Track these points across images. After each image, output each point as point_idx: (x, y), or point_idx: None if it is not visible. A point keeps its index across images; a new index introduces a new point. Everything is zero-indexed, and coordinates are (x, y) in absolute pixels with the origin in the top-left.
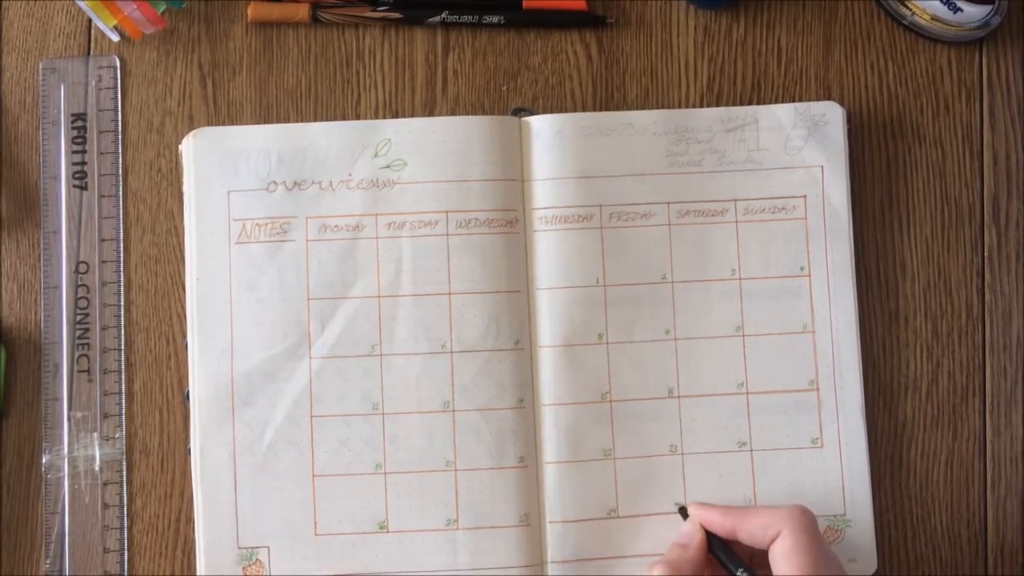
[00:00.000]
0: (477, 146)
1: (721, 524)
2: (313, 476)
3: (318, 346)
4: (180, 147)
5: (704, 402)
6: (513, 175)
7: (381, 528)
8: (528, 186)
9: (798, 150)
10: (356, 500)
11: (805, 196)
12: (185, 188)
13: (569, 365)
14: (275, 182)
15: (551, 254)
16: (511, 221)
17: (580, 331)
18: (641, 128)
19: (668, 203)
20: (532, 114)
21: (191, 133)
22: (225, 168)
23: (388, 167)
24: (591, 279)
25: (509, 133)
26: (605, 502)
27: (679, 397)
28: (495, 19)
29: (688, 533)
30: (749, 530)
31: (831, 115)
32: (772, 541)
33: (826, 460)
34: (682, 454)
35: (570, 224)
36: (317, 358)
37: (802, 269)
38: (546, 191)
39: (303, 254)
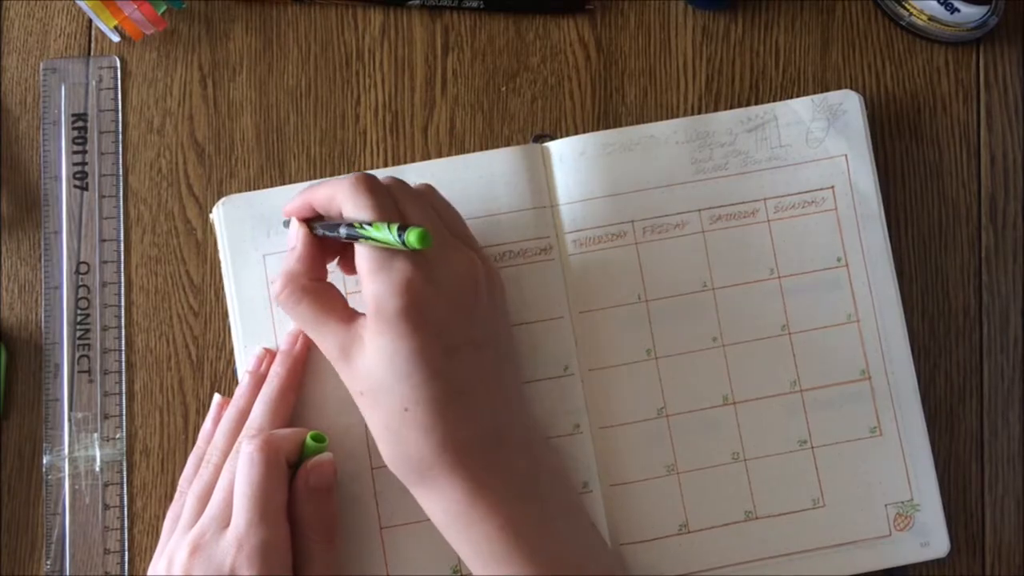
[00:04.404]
0: (502, 179)
1: (301, 205)
2: (380, 528)
3: None
4: (211, 215)
5: (760, 405)
6: (542, 202)
7: (455, 572)
8: (557, 211)
9: (820, 142)
10: (426, 547)
11: (833, 187)
12: (221, 256)
13: (621, 384)
14: None
15: (589, 276)
16: (545, 248)
17: (628, 349)
18: (663, 139)
19: (699, 210)
20: (553, 139)
21: (220, 202)
22: (257, 233)
23: None
24: (632, 296)
25: (533, 161)
26: (675, 518)
27: (735, 403)
28: (474, 3)
29: (292, 234)
30: (320, 203)
31: (848, 103)
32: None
33: (887, 448)
34: (745, 460)
35: (604, 243)
36: None
37: (839, 259)
38: (576, 214)
39: None
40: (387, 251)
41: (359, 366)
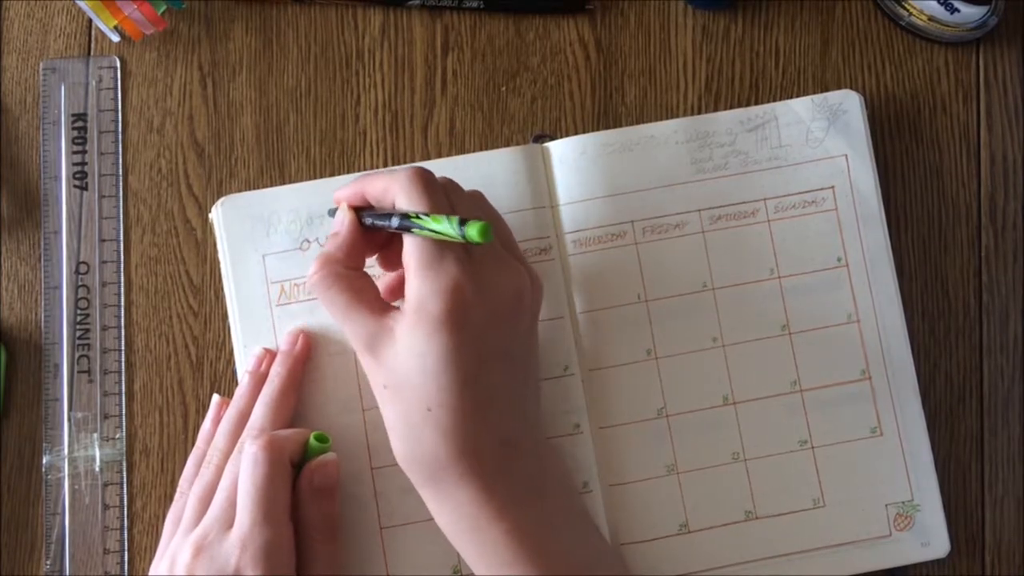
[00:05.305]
0: (502, 179)
1: (353, 192)
2: (380, 529)
3: (369, 398)
4: (210, 215)
5: (760, 405)
6: (542, 202)
7: (455, 572)
8: (557, 211)
9: (820, 142)
10: (426, 547)
11: (833, 187)
12: (220, 256)
13: (622, 384)
14: (308, 240)
15: (589, 276)
16: (545, 248)
17: (628, 349)
18: (663, 139)
19: (699, 210)
20: (553, 139)
21: (219, 201)
22: (256, 233)
23: None
24: (632, 296)
25: (532, 161)
26: (675, 518)
27: (735, 403)
28: (474, 3)
29: (338, 220)
30: (373, 194)
31: (848, 103)
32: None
33: (887, 448)
34: (745, 460)
35: (604, 244)
36: (370, 409)
37: (839, 260)
38: (576, 214)
39: None
40: (438, 250)
41: (387, 359)
